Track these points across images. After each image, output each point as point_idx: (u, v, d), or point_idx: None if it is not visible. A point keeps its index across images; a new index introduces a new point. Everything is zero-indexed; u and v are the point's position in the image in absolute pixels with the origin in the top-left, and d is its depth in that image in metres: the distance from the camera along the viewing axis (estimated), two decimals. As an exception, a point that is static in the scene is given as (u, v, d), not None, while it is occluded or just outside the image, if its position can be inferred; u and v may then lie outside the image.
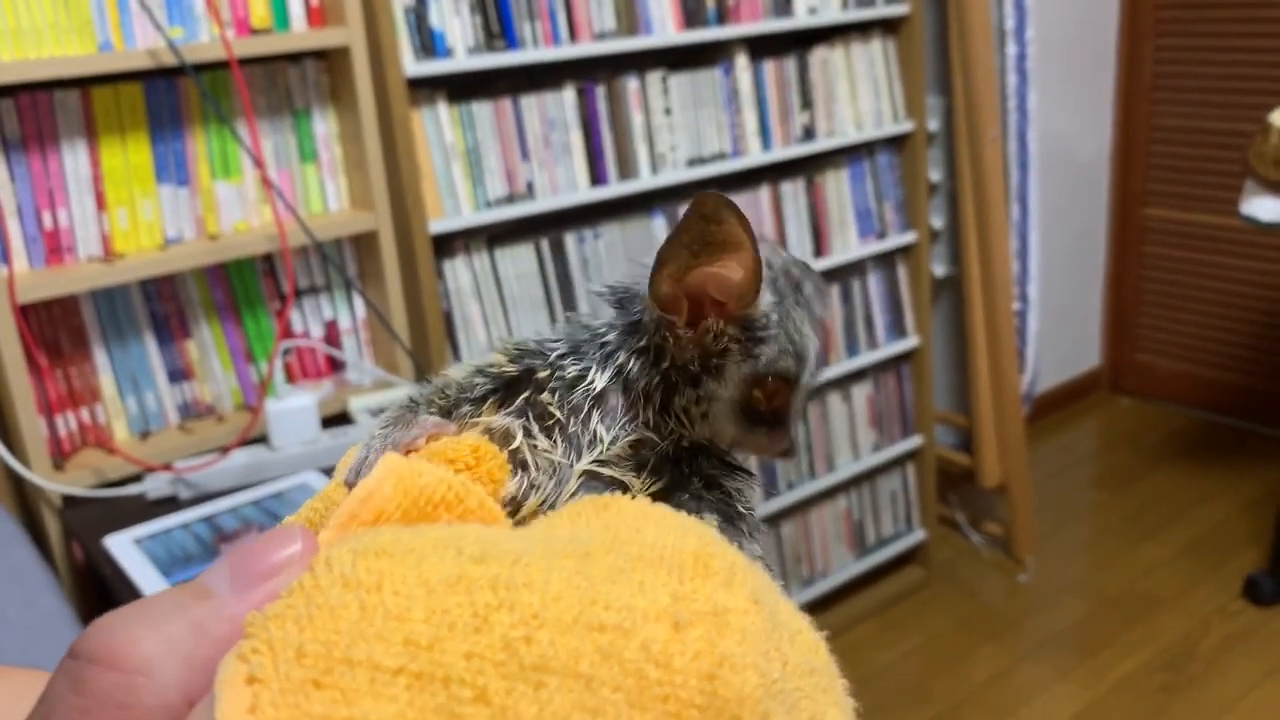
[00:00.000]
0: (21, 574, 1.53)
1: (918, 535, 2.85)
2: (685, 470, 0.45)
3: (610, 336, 0.47)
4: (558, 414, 0.45)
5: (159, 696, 0.26)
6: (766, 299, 0.46)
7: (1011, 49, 2.74)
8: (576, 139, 2.08)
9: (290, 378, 1.89)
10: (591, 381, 0.45)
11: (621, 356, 0.46)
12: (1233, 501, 3.10)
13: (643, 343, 0.46)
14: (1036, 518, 2.94)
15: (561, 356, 0.46)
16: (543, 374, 0.46)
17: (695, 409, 0.46)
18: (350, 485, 0.41)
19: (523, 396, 0.45)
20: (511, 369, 0.46)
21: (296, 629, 0.26)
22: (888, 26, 2.50)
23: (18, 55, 1.53)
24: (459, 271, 1.99)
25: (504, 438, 0.43)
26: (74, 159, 1.66)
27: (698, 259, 0.44)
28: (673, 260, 0.44)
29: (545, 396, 0.45)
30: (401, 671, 0.25)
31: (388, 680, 0.25)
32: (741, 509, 0.45)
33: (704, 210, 0.43)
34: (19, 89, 1.60)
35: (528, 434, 0.44)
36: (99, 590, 1.64)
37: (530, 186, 2.04)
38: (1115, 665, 2.48)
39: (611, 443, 0.45)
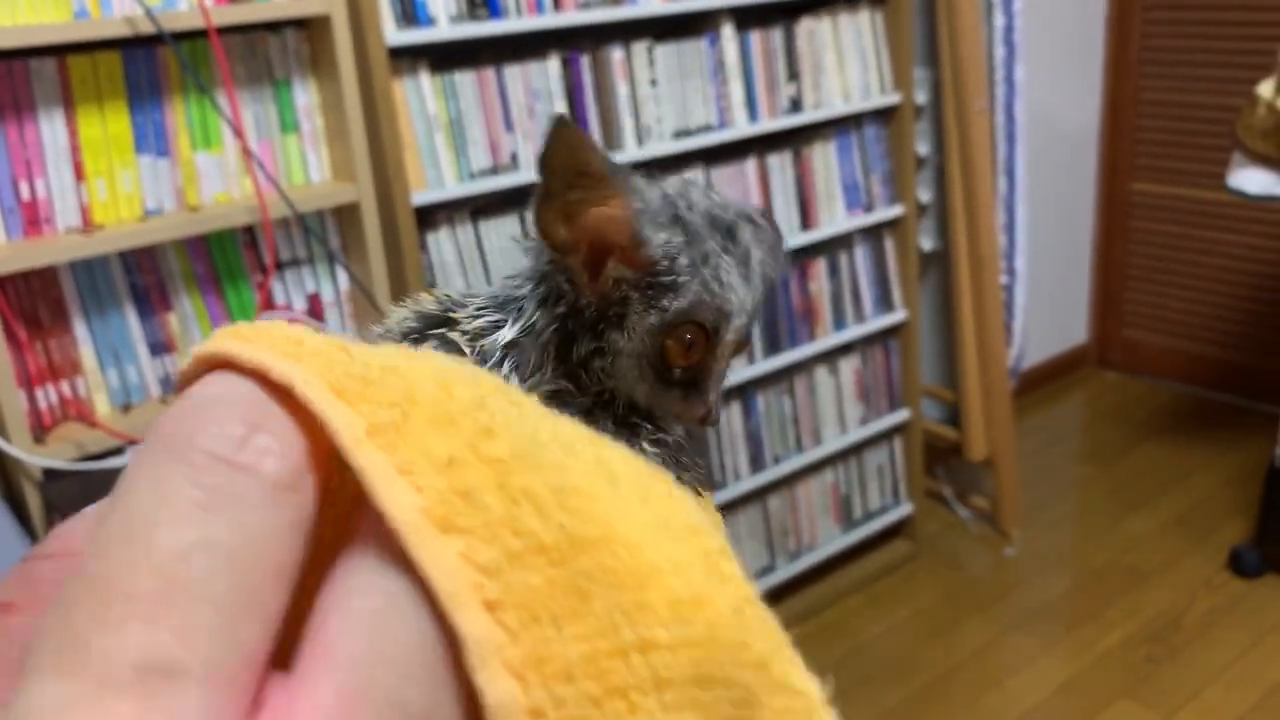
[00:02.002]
0: (1, 548, 1.52)
1: (904, 509, 2.85)
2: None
3: (525, 287, 0.46)
4: (469, 357, 0.43)
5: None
6: (663, 239, 0.43)
7: (999, 20, 2.72)
8: (561, 109, 2.06)
9: (273, 351, 1.88)
10: (501, 329, 0.44)
11: (529, 305, 0.45)
12: (1218, 475, 3.11)
13: (543, 290, 0.45)
14: (1023, 492, 2.95)
15: (481, 307, 0.46)
16: (462, 319, 0.45)
17: (597, 361, 0.44)
18: None
19: (436, 335, 0.44)
20: (434, 309, 0.45)
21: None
22: (875, -3, 2.49)
23: (-8, 22, 1.51)
24: (442, 244, 1.98)
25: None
26: (51, 129, 1.64)
27: (574, 191, 0.42)
28: (553, 195, 0.42)
29: (456, 337, 0.44)
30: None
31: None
32: None
33: (568, 139, 0.41)
34: (-6, 57, 1.58)
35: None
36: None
37: (514, 157, 2.02)
38: (1101, 637, 2.49)
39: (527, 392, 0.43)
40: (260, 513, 0.21)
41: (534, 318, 0.44)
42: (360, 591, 0.21)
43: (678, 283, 0.42)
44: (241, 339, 0.24)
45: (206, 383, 0.23)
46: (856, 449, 2.72)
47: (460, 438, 0.22)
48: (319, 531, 0.23)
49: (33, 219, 1.64)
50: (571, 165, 0.41)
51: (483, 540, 0.21)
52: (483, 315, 0.45)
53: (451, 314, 0.45)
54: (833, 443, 2.63)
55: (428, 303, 0.46)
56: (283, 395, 0.23)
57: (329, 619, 0.20)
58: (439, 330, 0.44)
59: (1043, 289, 3.41)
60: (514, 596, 0.20)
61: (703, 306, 0.43)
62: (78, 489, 1.59)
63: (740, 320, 0.44)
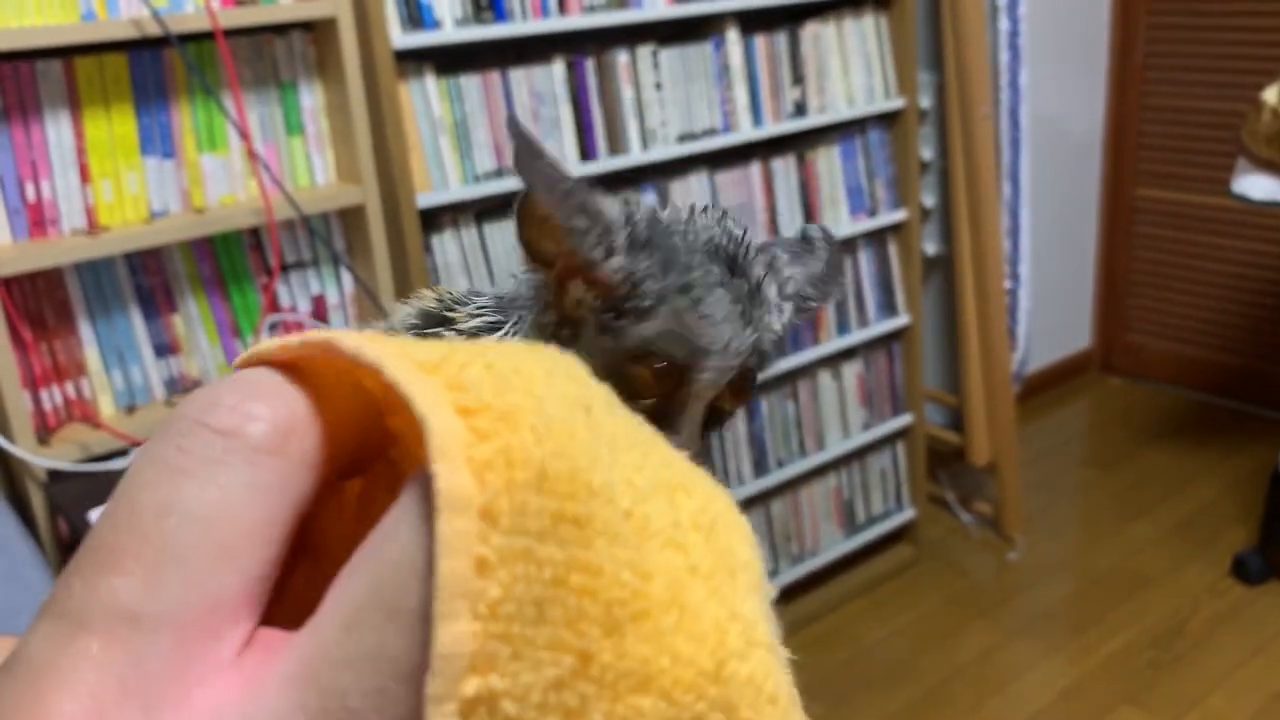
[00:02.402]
0: (6, 548, 1.52)
1: (907, 513, 2.85)
2: None
3: (528, 291, 0.46)
4: None
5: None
6: (619, 264, 0.41)
7: (1004, 25, 2.73)
8: (566, 113, 2.07)
9: (277, 353, 1.88)
10: (498, 331, 0.44)
11: (528, 310, 0.45)
12: (1221, 481, 3.10)
13: (530, 297, 0.45)
14: (1026, 496, 2.95)
15: (482, 307, 0.45)
16: (460, 319, 0.45)
17: None
18: None
19: (433, 333, 0.44)
20: (434, 306, 0.45)
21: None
22: (880, 2, 2.49)
23: (-1, 24, 1.51)
24: (447, 246, 1.98)
25: None
26: (57, 130, 1.64)
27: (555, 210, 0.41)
28: (534, 206, 0.41)
29: (451, 336, 0.44)
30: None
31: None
32: None
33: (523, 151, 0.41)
34: (0, 58, 1.58)
35: None
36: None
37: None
38: (1104, 643, 2.49)
39: None
40: (236, 473, 0.22)
41: (529, 322, 0.44)
42: (383, 540, 0.21)
43: (641, 308, 0.40)
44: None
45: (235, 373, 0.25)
46: (859, 453, 2.72)
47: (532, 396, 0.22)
48: (378, 497, 0.24)
49: (38, 220, 1.65)
50: (549, 181, 0.41)
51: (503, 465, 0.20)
52: (482, 315, 0.45)
53: (450, 313, 0.45)
54: (836, 447, 2.63)
55: (429, 300, 0.46)
56: (323, 374, 0.24)
57: (344, 574, 0.21)
58: (436, 329, 0.44)
59: (1046, 294, 3.41)
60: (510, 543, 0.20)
61: (669, 338, 0.40)
62: (82, 490, 1.59)
63: (723, 360, 0.40)
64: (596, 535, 0.21)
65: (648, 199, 0.43)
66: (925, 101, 2.70)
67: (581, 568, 0.20)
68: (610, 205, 0.43)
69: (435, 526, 0.20)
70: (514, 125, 0.41)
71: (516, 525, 0.20)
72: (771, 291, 0.42)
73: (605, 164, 2.10)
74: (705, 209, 0.45)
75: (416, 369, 0.22)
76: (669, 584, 0.22)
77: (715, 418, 0.41)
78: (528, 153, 0.41)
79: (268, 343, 0.24)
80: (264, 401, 0.23)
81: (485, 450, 0.20)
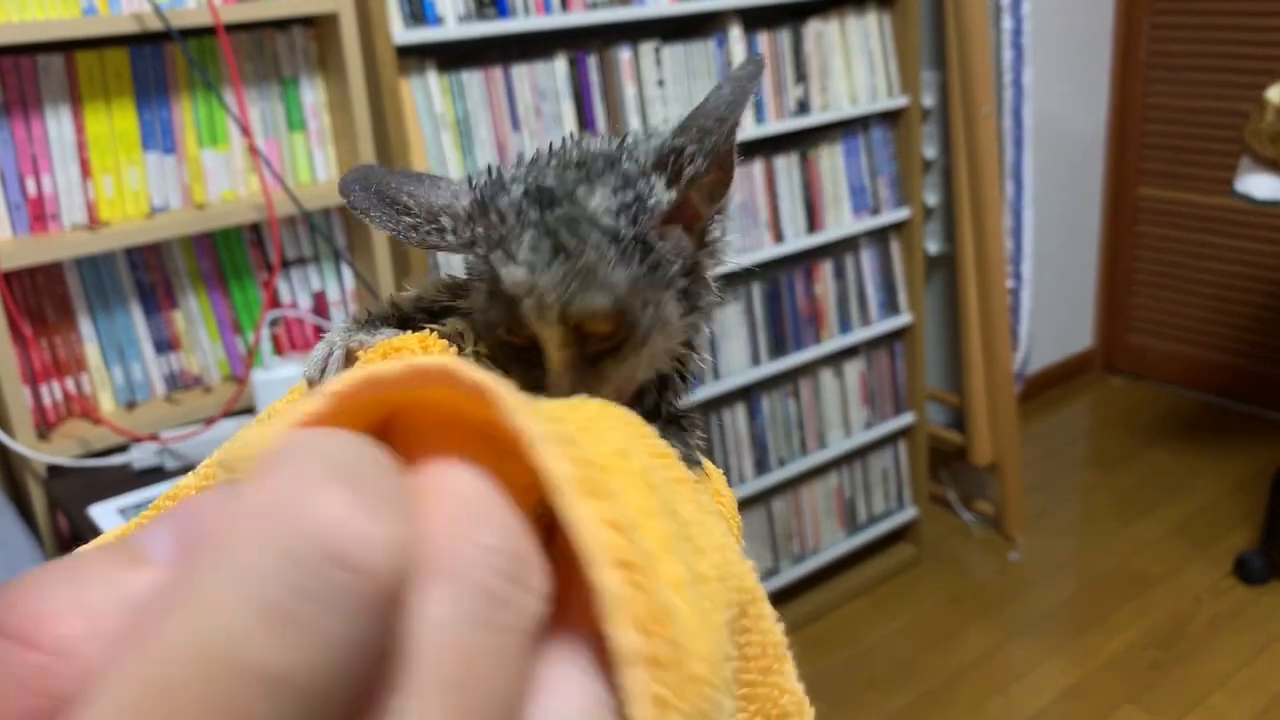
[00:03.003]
0: (5, 543, 1.51)
1: (909, 513, 2.84)
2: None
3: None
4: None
5: (76, 683, 0.20)
6: (453, 241, 0.41)
7: (1007, 23, 2.72)
8: (568, 110, 2.06)
9: (278, 349, 1.88)
10: (459, 313, 0.44)
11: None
12: (1223, 481, 3.10)
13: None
14: (1028, 496, 2.94)
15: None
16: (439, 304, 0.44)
17: None
18: (314, 380, 0.41)
19: (459, 307, 0.43)
20: (463, 279, 0.45)
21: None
22: (882, 0, 2.48)
23: (0, 18, 1.51)
24: (449, 243, 1.97)
25: (454, 339, 0.41)
26: (58, 125, 1.64)
27: None
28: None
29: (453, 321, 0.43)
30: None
31: None
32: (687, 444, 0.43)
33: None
34: (1, 52, 1.57)
35: (478, 338, 0.42)
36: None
37: (521, 158, 2.02)
38: (1105, 643, 2.49)
39: None
40: (343, 629, 0.18)
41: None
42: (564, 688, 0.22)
43: (479, 274, 0.40)
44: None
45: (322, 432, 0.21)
46: (861, 452, 2.71)
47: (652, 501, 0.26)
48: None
49: (39, 215, 1.64)
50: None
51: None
52: (456, 303, 0.45)
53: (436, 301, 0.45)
54: (837, 446, 2.62)
55: (428, 288, 0.46)
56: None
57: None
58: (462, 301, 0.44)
59: (1048, 294, 3.40)
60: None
61: (495, 296, 0.39)
62: (82, 486, 1.59)
63: (537, 299, 0.38)
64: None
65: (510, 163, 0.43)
66: (928, 100, 2.69)
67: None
68: (436, 193, 0.42)
69: (617, 678, 0.22)
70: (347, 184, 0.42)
71: (674, 660, 0.23)
72: (595, 206, 0.39)
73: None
74: (562, 143, 0.43)
75: (572, 485, 0.23)
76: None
77: (598, 353, 0.39)
78: (354, 188, 0.42)
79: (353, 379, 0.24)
80: (386, 519, 0.19)
81: (641, 606, 0.23)
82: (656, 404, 0.44)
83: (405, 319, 0.44)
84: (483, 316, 0.40)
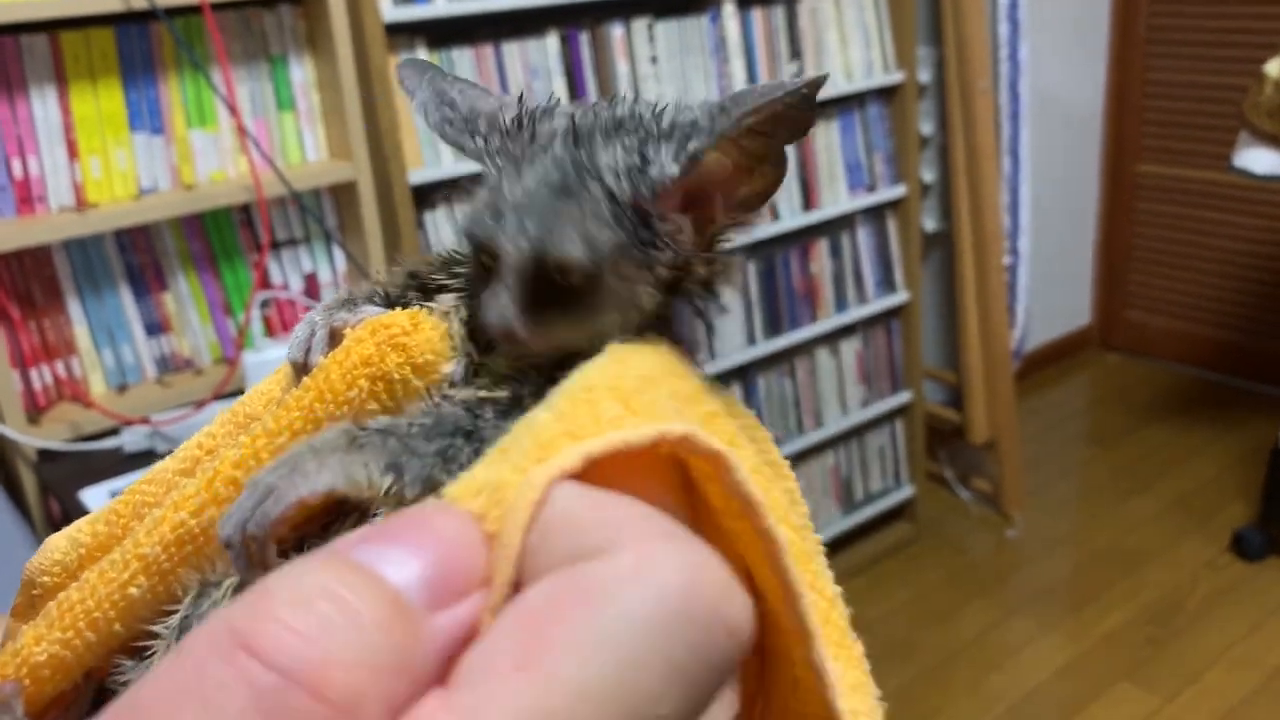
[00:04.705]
0: (-4, 528, 1.51)
1: (906, 491, 2.84)
2: None
3: None
4: None
5: None
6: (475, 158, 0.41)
7: (1004, -2, 2.70)
8: (560, 87, 2.04)
9: (270, 331, 1.87)
10: None
11: None
12: (1221, 457, 3.09)
13: None
14: (1025, 474, 2.94)
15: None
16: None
17: None
18: (297, 361, 0.40)
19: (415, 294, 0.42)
20: (424, 269, 0.44)
21: None
22: (878, -25, 2.46)
23: (-18, -3, 1.49)
24: (440, 223, 1.96)
25: (445, 317, 0.40)
26: (44, 106, 1.62)
27: None
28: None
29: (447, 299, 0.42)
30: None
31: None
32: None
33: None
34: (-15, 33, 1.56)
35: (470, 314, 0.40)
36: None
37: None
38: (1102, 619, 2.48)
39: None
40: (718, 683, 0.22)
41: None
42: None
43: (497, 181, 0.40)
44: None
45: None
46: (858, 431, 2.70)
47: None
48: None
49: (25, 197, 1.63)
50: None
51: None
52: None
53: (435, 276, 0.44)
54: (834, 425, 2.61)
55: (462, 253, 0.45)
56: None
57: None
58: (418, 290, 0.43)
59: (1046, 270, 3.39)
60: None
61: (473, 215, 0.39)
62: (73, 470, 1.58)
63: (515, 219, 0.38)
64: None
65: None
66: (924, 76, 2.67)
67: None
68: (485, 99, 0.43)
69: None
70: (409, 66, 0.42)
71: None
72: (604, 161, 0.39)
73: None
74: (620, 98, 0.42)
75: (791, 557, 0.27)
76: None
77: (550, 303, 0.38)
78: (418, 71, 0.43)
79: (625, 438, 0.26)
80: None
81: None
82: None
83: (391, 297, 0.43)
84: (468, 221, 0.40)
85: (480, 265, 0.40)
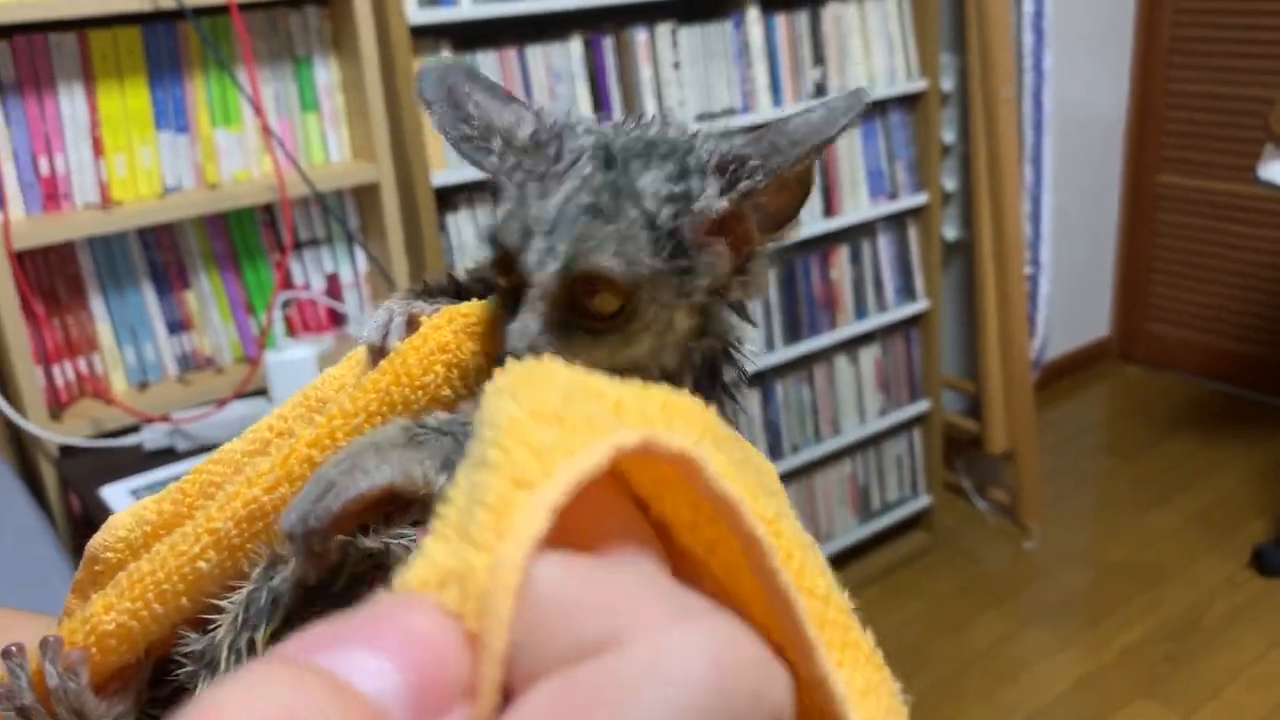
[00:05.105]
0: (17, 523, 1.51)
1: (923, 500, 2.83)
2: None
3: None
4: None
5: None
6: (494, 164, 0.41)
7: (1028, 7, 2.68)
8: (583, 91, 2.04)
9: (291, 330, 1.87)
10: None
11: None
12: (1241, 472, 3.07)
13: None
14: (1043, 485, 2.92)
15: None
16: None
17: None
18: (374, 345, 0.41)
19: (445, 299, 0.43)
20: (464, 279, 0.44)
21: None
22: (903, -18, 2.45)
23: (12, -5, 1.50)
24: (462, 225, 1.96)
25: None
26: (71, 104, 1.63)
27: None
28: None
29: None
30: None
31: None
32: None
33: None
34: (14, 30, 1.56)
35: None
36: (95, 541, 1.63)
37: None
38: (1119, 634, 2.47)
39: None
40: None
41: None
42: None
43: (518, 198, 0.40)
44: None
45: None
46: (875, 439, 2.70)
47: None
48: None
49: (51, 194, 1.64)
50: None
51: None
52: None
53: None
54: (852, 433, 2.61)
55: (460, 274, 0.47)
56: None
57: None
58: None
59: (1066, 281, 3.37)
60: None
61: (504, 220, 0.39)
62: (94, 466, 1.59)
63: (544, 243, 0.37)
64: None
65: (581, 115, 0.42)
66: (947, 84, 2.66)
67: None
68: (503, 111, 0.42)
69: None
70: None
71: None
72: (644, 185, 0.38)
73: (622, 144, 2.08)
74: (646, 118, 0.42)
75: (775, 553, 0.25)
76: None
77: (578, 326, 0.38)
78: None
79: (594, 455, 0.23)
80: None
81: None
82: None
83: (461, 290, 0.43)
84: (490, 237, 0.39)
85: (500, 287, 0.39)
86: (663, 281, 0.38)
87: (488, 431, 0.23)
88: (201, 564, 0.38)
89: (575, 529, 0.22)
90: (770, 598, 0.24)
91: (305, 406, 0.42)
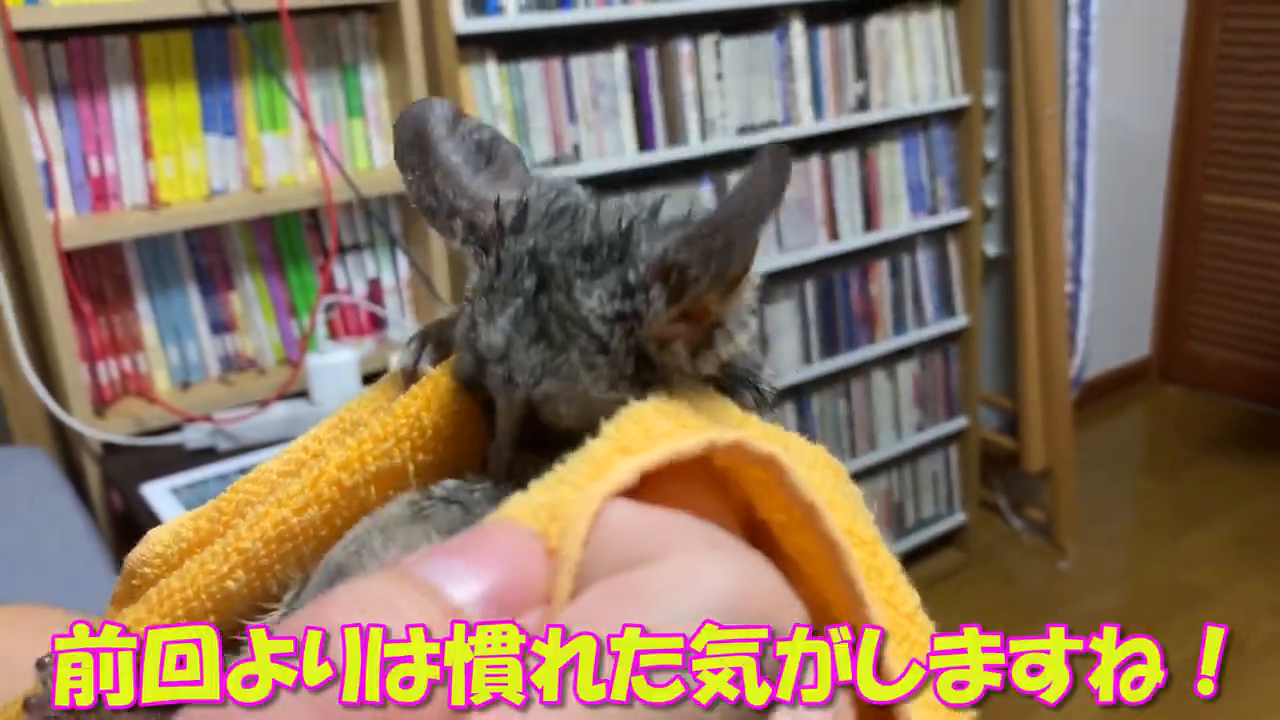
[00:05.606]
0: (60, 518, 1.53)
1: (958, 518, 2.81)
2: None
3: None
4: None
5: None
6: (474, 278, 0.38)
7: (1074, 23, 2.67)
8: (625, 102, 2.05)
9: (332, 334, 1.89)
10: None
11: None
12: (1283, 496, 3.03)
13: None
14: (1080, 504, 2.89)
15: None
16: None
17: None
18: (408, 369, 0.40)
19: None
20: None
21: None
22: (948, -3, 2.45)
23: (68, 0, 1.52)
24: (503, 233, 1.97)
25: None
26: (122, 106, 1.66)
27: None
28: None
29: None
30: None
31: None
32: None
33: None
34: (69, 33, 1.59)
35: None
36: (136, 538, 1.65)
37: (577, 149, 2.01)
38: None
39: None
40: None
41: None
42: None
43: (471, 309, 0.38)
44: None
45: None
46: (911, 455, 2.68)
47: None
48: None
49: (101, 195, 1.66)
50: None
51: None
52: None
53: None
54: (888, 448, 2.59)
55: None
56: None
57: None
58: None
59: (1106, 299, 3.34)
60: None
61: (462, 340, 0.37)
62: (135, 464, 1.61)
63: (504, 370, 0.36)
64: None
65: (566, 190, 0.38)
66: (991, 99, 2.65)
67: None
68: (473, 182, 0.39)
69: None
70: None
71: None
72: (589, 309, 0.36)
73: (664, 154, 2.08)
74: (581, 212, 0.38)
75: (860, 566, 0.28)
76: None
77: (552, 432, 0.36)
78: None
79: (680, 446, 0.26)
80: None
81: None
82: None
83: None
84: (464, 342, 0.37)
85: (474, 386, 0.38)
86: (621, 390, 0.36)
87: (615, 422, 0.28)
88: (230, 583, 0.38)
89: (660, 499, 0.25)
90: (851, 604, 0.27)
91: (339, 428, 0.42)
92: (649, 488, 0.25)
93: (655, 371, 0.36)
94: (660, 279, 0.35)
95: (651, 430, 0.27)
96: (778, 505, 0.28)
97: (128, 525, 1.66)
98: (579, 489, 0.25)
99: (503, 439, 0.36)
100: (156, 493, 1.49)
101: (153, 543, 0.44)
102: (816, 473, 0.32)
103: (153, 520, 1.44)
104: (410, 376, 0.40)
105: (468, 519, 0.34)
